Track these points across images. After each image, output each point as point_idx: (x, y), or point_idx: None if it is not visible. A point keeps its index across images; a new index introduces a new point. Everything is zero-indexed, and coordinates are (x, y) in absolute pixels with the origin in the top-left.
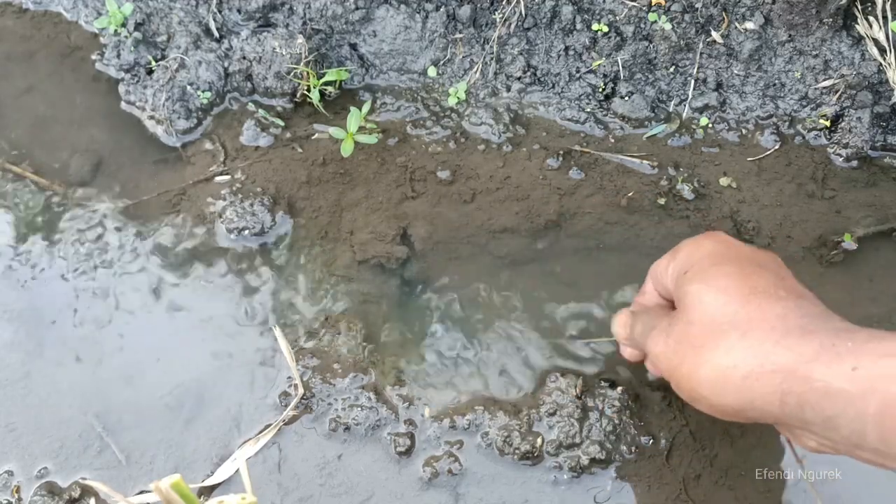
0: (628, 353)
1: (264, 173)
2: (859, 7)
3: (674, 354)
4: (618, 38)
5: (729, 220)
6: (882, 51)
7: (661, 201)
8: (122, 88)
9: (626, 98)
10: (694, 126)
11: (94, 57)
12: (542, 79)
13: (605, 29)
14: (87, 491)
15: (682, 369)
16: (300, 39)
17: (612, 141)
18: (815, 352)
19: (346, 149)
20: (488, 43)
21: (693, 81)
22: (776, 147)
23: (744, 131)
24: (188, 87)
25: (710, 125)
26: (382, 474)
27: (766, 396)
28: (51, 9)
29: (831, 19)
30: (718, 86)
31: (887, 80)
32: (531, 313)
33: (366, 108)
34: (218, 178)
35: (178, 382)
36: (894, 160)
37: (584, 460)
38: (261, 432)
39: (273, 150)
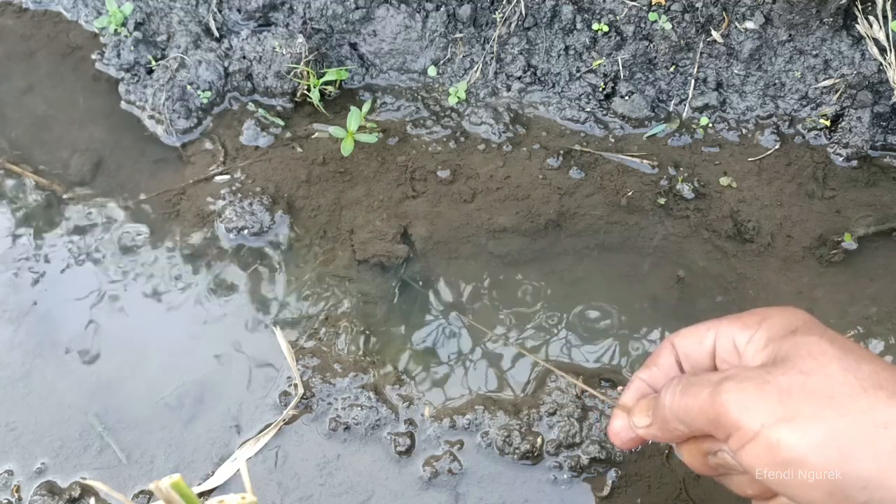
0: (653, 432)
1: (264, 173)
2: (859, 7)
3: (779, 405)
4: (618, 38)
5: (729, 219)
6: (882, 50)
7: (662, 201)
8: (122, 88)
9: (627, 98)
10: (694, 126)
11: (94, 56)
12: (542, 78)
13: (606, 28)
14: (87, 490)
15: (793, 425)
16: (300, 39)
17: (613, 140)
18: None
19: (347, 148)
20: (488, 42)
21: (693, 81)
22: (776, 147)
23: (744, 131)
24: (188, 87)
25: (711, 125)
26: (382, 474)
27: None
28: (51, 8)
29: (831, 19)
30: (718, 85)
31: (887, 80)
32: (531, 313)
33: (366, 107)
34: (218, 178)
35: (179, 382)
36: (894, 160)
37: (584, 460)
38: (261, 432)
39: (273, 149)
